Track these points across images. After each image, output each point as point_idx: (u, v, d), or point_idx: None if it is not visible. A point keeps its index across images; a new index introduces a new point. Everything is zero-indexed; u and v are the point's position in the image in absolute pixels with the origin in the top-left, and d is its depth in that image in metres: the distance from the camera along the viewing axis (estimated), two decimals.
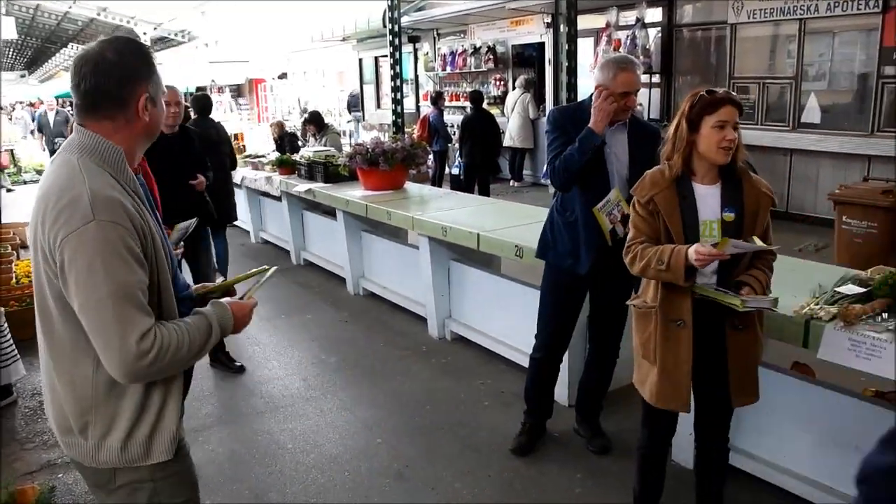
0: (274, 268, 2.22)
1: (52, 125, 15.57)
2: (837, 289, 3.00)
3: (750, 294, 2.47)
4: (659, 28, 10.20)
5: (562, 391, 4.20)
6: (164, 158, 3.49)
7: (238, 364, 4.98)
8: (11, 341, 4.43)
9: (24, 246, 8.56)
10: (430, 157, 11.02)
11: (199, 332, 1.83)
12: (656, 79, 10.32)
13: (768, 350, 3.39)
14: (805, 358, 3.49)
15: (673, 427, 2.89)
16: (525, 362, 4.57)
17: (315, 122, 9.10)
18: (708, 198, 2.58)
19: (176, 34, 23.93)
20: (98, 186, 1.70)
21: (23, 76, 42.16)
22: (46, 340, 1.83)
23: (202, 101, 6.73)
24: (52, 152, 12.96)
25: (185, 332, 1.78)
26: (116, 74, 1.75)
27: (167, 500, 1.93)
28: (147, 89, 1.79)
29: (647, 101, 10.29)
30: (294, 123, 15.93)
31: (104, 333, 1.67)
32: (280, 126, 11.21)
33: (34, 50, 37.80)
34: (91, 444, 1.83)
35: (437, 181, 11.64)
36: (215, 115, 6.95)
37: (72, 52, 37.62)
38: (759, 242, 2.48)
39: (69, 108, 19.35)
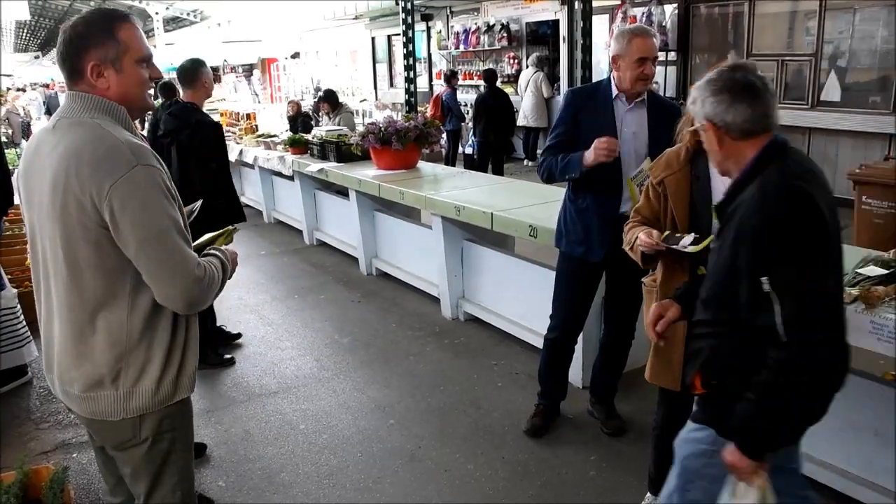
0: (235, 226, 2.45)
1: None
2: (859, 270, 2.93)
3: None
4: (675, 5, 10.04)
5: (576, 373, 4.16)
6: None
7: (228, 357, 4.84)
8: (24, 322, 4.44)
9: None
10: (444, 136, 10.94)
11: (221, 264, 2.04)
12: (672, 56, 10.17)
13: None
14: None
15: (689, 408, 2.85)
16: (539, 343, 4.53)
17: (329, 100, 9.05)
18: (723, 178, 2.51)
19: (188, 14, 23.88)
20: (126, 137, 1.83)
21: (36, 57, 42.27)
22: (77, 295, 1.87)
23: (167, 87, 6.63)
24: None
25: (213, 264, 1.98)
26: (73, 42, 1.85)
27: (181, 445, 2.09)
28: (95, 57, 1.84)
29: (663, 79, 10.15)
30: (308, 103, 15.90)
31: (167, 264, 1.82)
32: (297, 105, 11.17)
33: (47, 31, 37.85)
34: (121, 393, 1.92)
35: (450, 160, 11.58)
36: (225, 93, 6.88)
37: None
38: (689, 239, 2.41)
39: None
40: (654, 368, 2.73)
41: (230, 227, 2.39)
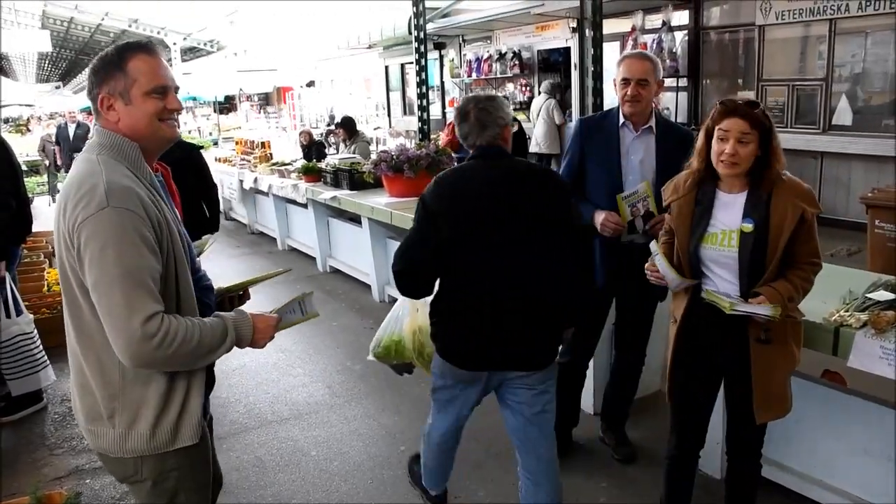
0: (307, 316, 2.37)
1: (71, 138, 13.82)
2: (868, 295, 2.93)
3: (763, 303, 2.39)
4: (685, 31, 10.11)
5: (587, 399, 4.15)
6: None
7: None
8: (41, 347, 4.49)
9: (55, 254, 8.69)
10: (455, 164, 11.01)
11: (213, 331, 1.88)
12: (683, 82, 10.22)
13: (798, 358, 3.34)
14: (836, 366, 3.40)
15: (702, 435, 2.85)
16: None
17: (347, 127, 9.13)
18: (730, 206, 2.52)
19: (205, 44, 24.26)
20: (114, 177, 1.80)
21: (57, 87, 43.02)
22: (75, 329, 1.90)
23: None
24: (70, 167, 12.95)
25: (197, 328, 1.83)
26: (90, 77, 1.92)
27: (190, 484, 2.02)
28: (105, 90, 1.89)
29: (675, 105, 10.20)
30: (321, 132, 16.05)
31: (111, 314, 1.74)
32: (309, 135, 11.30)
33: (68, 62, 38.54)
34: (118, 433, 1.90)
35: None
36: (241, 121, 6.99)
37: None
38: (767, 311, 2.33)
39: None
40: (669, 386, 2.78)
41: (306, 293, 2.34)
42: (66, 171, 11.53)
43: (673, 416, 2.82)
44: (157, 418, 1.89)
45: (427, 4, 10.82)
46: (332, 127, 15.13)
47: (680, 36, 10.08)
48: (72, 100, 33.57)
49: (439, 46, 15.14)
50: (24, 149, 16.10)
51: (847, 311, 2.81)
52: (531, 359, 2.71)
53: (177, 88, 1.98)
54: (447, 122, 12.14)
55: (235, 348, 1.97)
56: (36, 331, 4.51)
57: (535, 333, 2.66)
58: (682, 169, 2.69)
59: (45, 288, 6.41)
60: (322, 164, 7.96)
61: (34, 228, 4.83)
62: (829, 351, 2.78)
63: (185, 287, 1.92)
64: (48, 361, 4.51)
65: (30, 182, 13.12)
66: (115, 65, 1.88)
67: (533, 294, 2.60)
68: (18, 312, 4.41)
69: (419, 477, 3.40)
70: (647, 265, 2.68)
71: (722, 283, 2.53)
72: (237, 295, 2.33)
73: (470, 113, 2.66)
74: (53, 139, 13.97)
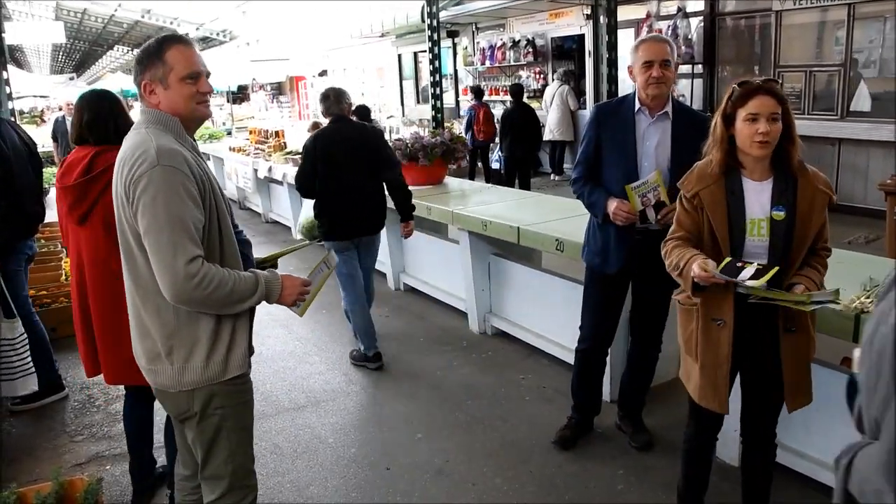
0: (331, 268, 2.64)
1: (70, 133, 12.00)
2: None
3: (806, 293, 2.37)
4: (701, 17, 10.02)
5: (604, 386, 4.15)
6: None
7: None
8: (25, 356, 4.10)
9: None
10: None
11: (246, 283, 2.16)
12: (699, 69, 10.13)
13: (818, 346, 3.31)
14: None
15: (719, 422, 2.84)
16: (566, 357, 4.54)
17: (361, 115, 9.11)
18: (758, 194, 2.48)
19: (218, 34, 24.27)
20: (162, 142, 2.10)
21: (71, 78, 43.16)
22: (132, 279, 2.19)
23: None
24: None
25: (232, 277, 2.12)
26: (134, 67, 2.23)
27: (232, 424, 2.28)
28: (147, 77, 2.18)
29: (690, 92, 10.12)
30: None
31: (159, 255, 2.03)
32: (316, 126, 11.27)
33: (82, 53, 38.67)
34: (176, 368, 2.18)
35: (472, 176, 11.60)
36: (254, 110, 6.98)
37: (118, 53, 38.39)
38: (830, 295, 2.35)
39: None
40: (703, 391, 2.64)
41: (326, 254, 2.67)
42: None
43: (692, 403, 2.80)
44: (209, 352, 2.17)
45: None
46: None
47: (695, 22, 9.99)
48: (85, 90, 33.71)
49: (452, 34, 15.09)
50: (39, 140, 16.19)
51: (868, 297, 2.78)
52: (374, 227, 4.86)
53: (208, 74, 2.26)
54: (478, 110, 11.95)
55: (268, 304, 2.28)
56: (24, 337, 4.15)
57: (372, 214, 4.78)
58: (699, 154, 2.64)
59: (63, 277, 6.45)
60: None
61: (51, 219, 4.76)
62: (850, 338, 2.77)
63: (228, 237, 2.22)
64: (32, 370, 4.16)
65: (47, 173, 13.13)
66: (155, 54, 2.16)
67: (367, 194, 4.70)
68: (9, 315, 4.10)
69: (358, 357, 4.97)
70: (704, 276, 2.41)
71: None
72: (269, 267, 2.54)
73: (330, 95, 4.76)
74: (52, 133, 11.96)
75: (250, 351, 2.36)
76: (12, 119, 5.22)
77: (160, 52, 2.16)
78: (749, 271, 2.36)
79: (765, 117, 2.35)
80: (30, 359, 4.19)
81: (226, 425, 2.28)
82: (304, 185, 4.72)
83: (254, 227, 10.08)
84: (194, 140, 2.30)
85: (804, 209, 2.42)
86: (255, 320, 2.39)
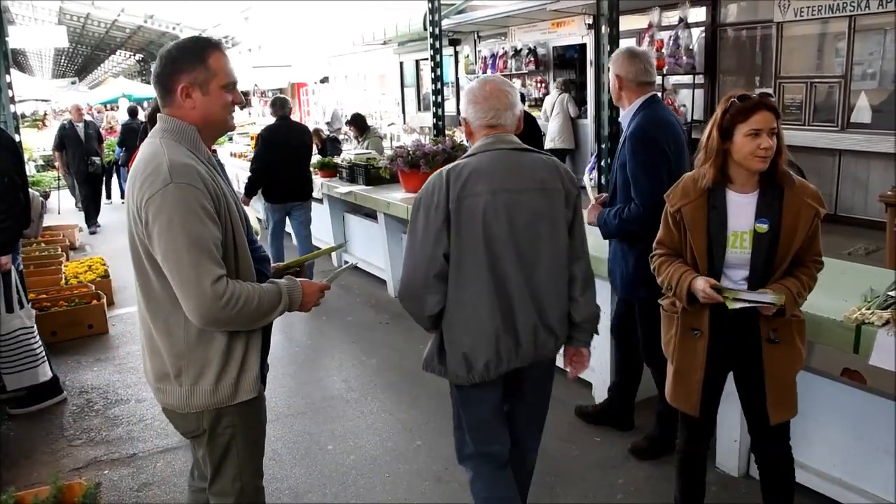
0: (349, 264, 2.83)
1: (83, 139, 10.43)
2: (890, 293, 2.90)
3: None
4: (702, 28, 10.04)
5: (603, 396, 4.17)
6: None
7: None
8: (40, 342, 4.43)
9: (72, 248, 8.76)
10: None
11: (270, 294, 2.10)
12: (700, 79, 10.16)
13: (817, 357, 3.32)
14: (855, 364, 3.38)
15: (708, 429, 2.86)
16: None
17: (357, 124, 9.14)
18: (742, 207, 2.49)
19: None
20: (175, 156, 2.00)
21: (73, 83, 43.24)
22: (144, 296, 2.12)
23: None
24: (87, 176, 10.49)
25: (257, 291, 2.06)
26: (167, 66, 2.08)
27: (242, 441, 2.24)
28: (186, 79, 2.06)
29: (691, 102, 10.14)
30: (331, 128, 16.06)
31: (182, 279, 1.95)
32: (317, 134, 11.27)
33: (84, 57, 38.79)
34: (185, 390, 2.11)
35: None
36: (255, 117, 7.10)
37: (120, 58, 38.49)
38: (772, 298, 2.35)
39: (105, 113, 19.28)
40: (675, 392, 2.74)
41: (341, 244, 2.61)
42: (79, 184, 10.76)
43: (681, 414, 2.81)
44: (218, 375, 2.11)
45: (442, 1, 10.83)
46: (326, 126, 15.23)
47: (697, 33, 10.01)
48: (87, 95, 33.77)
49: (454, 43, 15.13)
50: (41, 143, 16.22)
51: (869, 308, 2.78)
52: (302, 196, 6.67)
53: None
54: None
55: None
56: (35, 326, 4.43)
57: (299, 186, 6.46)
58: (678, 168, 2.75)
59: (63, 281, 6.46)
60: (338, 160, 7.97)
61: (51, 223, 4.81)
62: (851, 349, 2.76)
63: (244, 254, 2.13)
64: (46, 357, 4.46)
65: (46, 177, 13.17)
66: (199, 57, 2.07)
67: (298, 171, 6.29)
68: (21, 305, 4.33)
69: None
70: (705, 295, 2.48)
71: (732, 285, 2.53)
72: (295, 272, 2.48)
73: (276, 102, 6.42)
74: (56, 141, 10.65)
75: (265, 369, 2.31)
76: (14, 122, 5.24)
77: (203, 55, 2.08)
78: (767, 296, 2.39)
79: (766, 132, 2.36)
80: (42, 346, 4.29)
81: (235, 443, 2.24)
82: (259, 168, 6.36)
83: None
84: (213, 151, 2.24)
85: (789, 222, 2.43)
86: None
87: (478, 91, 2.51)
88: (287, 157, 6.41)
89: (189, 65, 2.07)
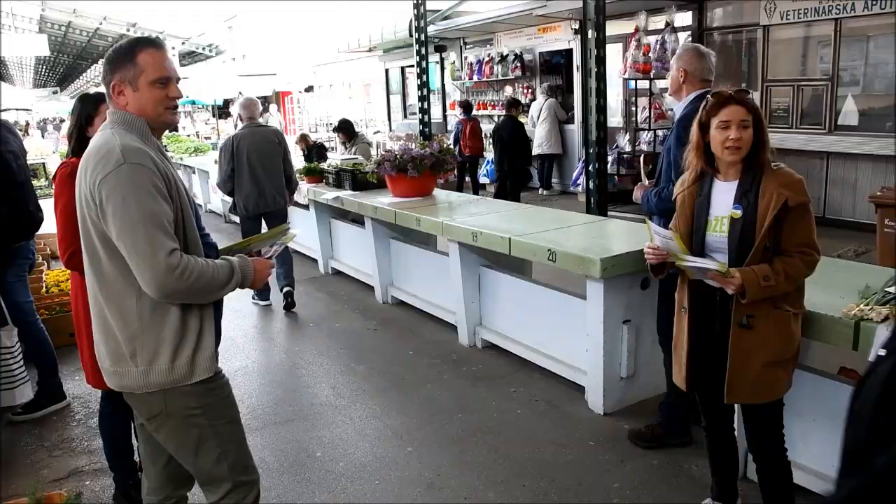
0: (296, 231, 2.71)
1: None
2: (888, 289, 2.86)
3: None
4: (689, 32, 10.07)
5: (596, 400, 4.11)
6: None
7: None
8: (21, 362, 4.18)
9: (53, 256, 8.62)
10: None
11: (222, 269, 2.18)
12: None
13: (814, 355, 3.28)
14: (852, 363, 3.35)
15: (729, 413, 2.95)
16: (558, 370, 4.49)
17: (344, 130, 9.07)
18: (724, 193, 2.66)
19: (204, 48, 24.24)
20: (127, 141, 2.10)
21: (55, 92, 42.98)
22: (96, 279, 2.17)
23: None
24: None
25: (210, 265, 2.14)
26: (105, 65, 2.22)
27: (218, 420, 2.28)
28: (117, 77, 2.17)
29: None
30: (320, 136, 15.99)
31: (137, 252, 2.02)
32: (304, 139, 11.20)
33: (66, 67, 38.51)
34: (141, 370, 2.15)
35: (460, 190, 11.57)
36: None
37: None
38: (714, 265, 2.51)
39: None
40: (674, 369, 2.90)
41: (286, 226, 2.79)
42: None
43: (700, 401, 2.94)
44: (174, 353, 2.15)
45: (428, 6, 10.81)
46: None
47: (683, 37, 10.02)
48: (69, 105, 33.56)
49: (440, 49, 15.11)
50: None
51: (867, 304, 2.74)
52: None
53: (178, 80, 2.26)
54: (466, 125, 11.85)
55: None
56: (19, 345, 4.18)
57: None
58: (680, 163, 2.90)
59: (44, 290, 6.33)
60: (324, 165, 7.89)
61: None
62: (850, 346, 2.73)
63: (192, 234, 2.21)
64: (27, 377, 4.21)
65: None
66: (127, 56, 2.16)
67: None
68: (4, 323, 4.11)
69: None
70: (646, 245, 2.76)
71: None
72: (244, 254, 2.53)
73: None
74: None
75: (217, 343, 2.34)
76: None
77: (132, 53, 2.15)
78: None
79: (735, 124, 2.52)
80: (24, 366, 4.15)
81: (207, 424, 2.25)
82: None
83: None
84: (160, 142, 2.29)
85: (761, 209, 2.52)
86: (240, 334, 2.35)
87: None
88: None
89: (120, 64, 2.17)
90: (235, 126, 13.63)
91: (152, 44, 2.21)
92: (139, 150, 2.09)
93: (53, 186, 3.30)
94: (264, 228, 6.39)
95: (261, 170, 6.17)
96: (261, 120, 7.03)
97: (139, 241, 2.01)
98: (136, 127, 2.17)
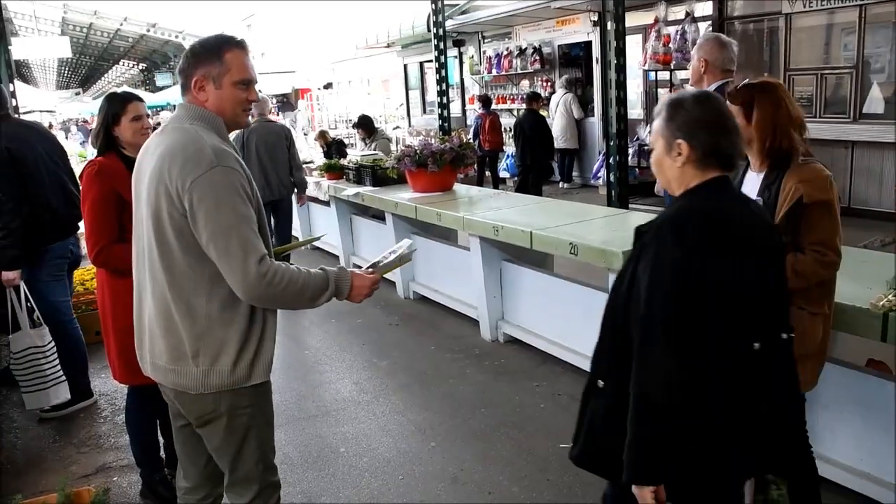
0: (412, 248, 2.59)
1: None
2: None
3: None
4: (709, 22, 9.96)
5: None
6: None
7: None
8: (55, 362, 4.21)
9: None
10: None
11: (316, 280, 2.17)
12: None
13: (842, 347, 3.23)
14: (880, 354, 3.30)
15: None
16: (581, 364, 4.47)
17: (364, 126, 9.09)
18: (752, 183, 2.64)
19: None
20: (214, 141, 2.10)
21: (77, 94, 43.42)
22: (166, 275, 2.12)
23: None
24: None
25: (302, 274, 2.13)
26: (188, 58, 2.18)
27: (260, 420, 2.30)
28: (201, 72, 2.15)
29: None
30: (339, 133, 16.02)
31: (230, 257, 2.02)
32: (323, 135, 11.23)
33: (88, 68, 38.92)
34: (202, 370, 2.15)
35: (480, 184, 11.56)
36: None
37: (124, 68, 38.62)
38: None
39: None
40: None
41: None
42: None
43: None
44: (237, 355, 2.15)
45: (446, 1, 10.77)
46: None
47: (704, 27, 9.91)
48: (91, 106, 33.88)
49: (458, 43, 15.08)
50: None
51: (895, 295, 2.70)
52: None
53: (255, 83, 2.28)
54: (486, 118, 11.85)
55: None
56: (52, 345, 4.19)
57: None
58: None
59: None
60: (344, 162, 7.91)
61: None
62: (878, 337, 2.69)
63: (265, 232, 2.20)
64: (63, 377, 4.23)
65: None
66: (215, 52, 2.15)
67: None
68: (35, 324, 4.12)
69: None
70: None
71: None
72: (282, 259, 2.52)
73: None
74: None
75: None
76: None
77: (219, 51, 2.15)
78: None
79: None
80: (59, 366, 4.18)
81: (255, 423, 2.27)
82: None
83: None
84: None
85: (782, 200, 2.47)
86: None
87: None
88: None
89: (206, 59, 2.15)
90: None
91: (239, 44, 2.21)
92: (226, 151, 2.09)
93: (80, 185, 3.30)
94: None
95: (267, 160, 6.56)
96: (288, 115, 7.33)
97: (232, 246, 2.01)
98: (216, 125, 2.18)
